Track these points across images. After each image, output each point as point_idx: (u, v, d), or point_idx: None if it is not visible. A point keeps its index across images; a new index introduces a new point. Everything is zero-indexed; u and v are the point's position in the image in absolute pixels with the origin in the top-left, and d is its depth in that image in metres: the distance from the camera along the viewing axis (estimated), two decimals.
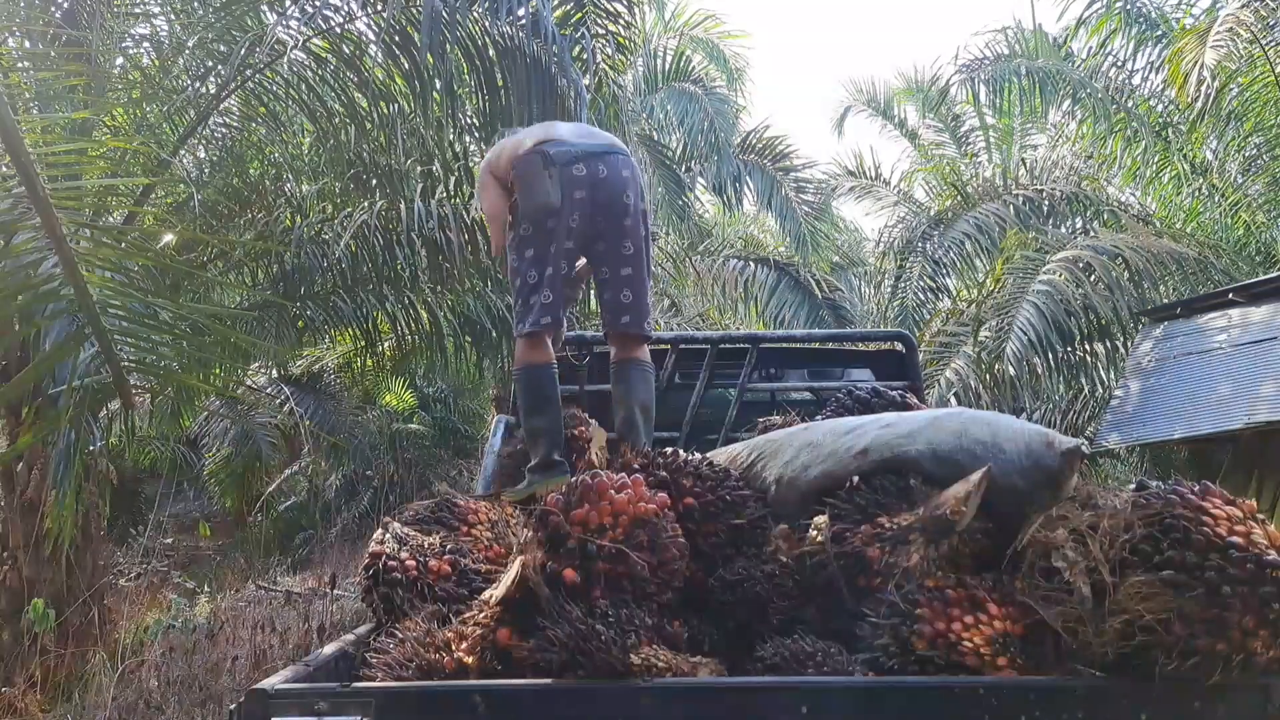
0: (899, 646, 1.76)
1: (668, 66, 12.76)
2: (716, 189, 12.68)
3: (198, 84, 5.98)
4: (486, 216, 3.52)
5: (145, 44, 6.06)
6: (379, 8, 5.60)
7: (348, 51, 5.89)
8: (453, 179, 7.23)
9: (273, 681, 1.73)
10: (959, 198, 10.80)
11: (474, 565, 2.21)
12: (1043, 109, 11.56)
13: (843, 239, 15.42)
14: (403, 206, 6.87)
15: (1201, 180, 10.17)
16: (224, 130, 6.51)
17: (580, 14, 6.05)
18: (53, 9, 5.49)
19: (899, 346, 4.47)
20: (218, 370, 7.23)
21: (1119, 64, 10.63)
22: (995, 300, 8.75)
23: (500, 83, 5.80)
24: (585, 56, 6.00)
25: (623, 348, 3.26)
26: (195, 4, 5.77)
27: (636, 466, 2.30)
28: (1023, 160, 12.36)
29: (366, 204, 6.97)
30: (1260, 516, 1.71)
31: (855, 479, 2.11)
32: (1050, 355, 8.18)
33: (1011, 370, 7.83)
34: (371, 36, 5.87)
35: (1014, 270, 8.71)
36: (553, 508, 1.96)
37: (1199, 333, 6.41)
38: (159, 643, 5.82)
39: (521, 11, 5.57)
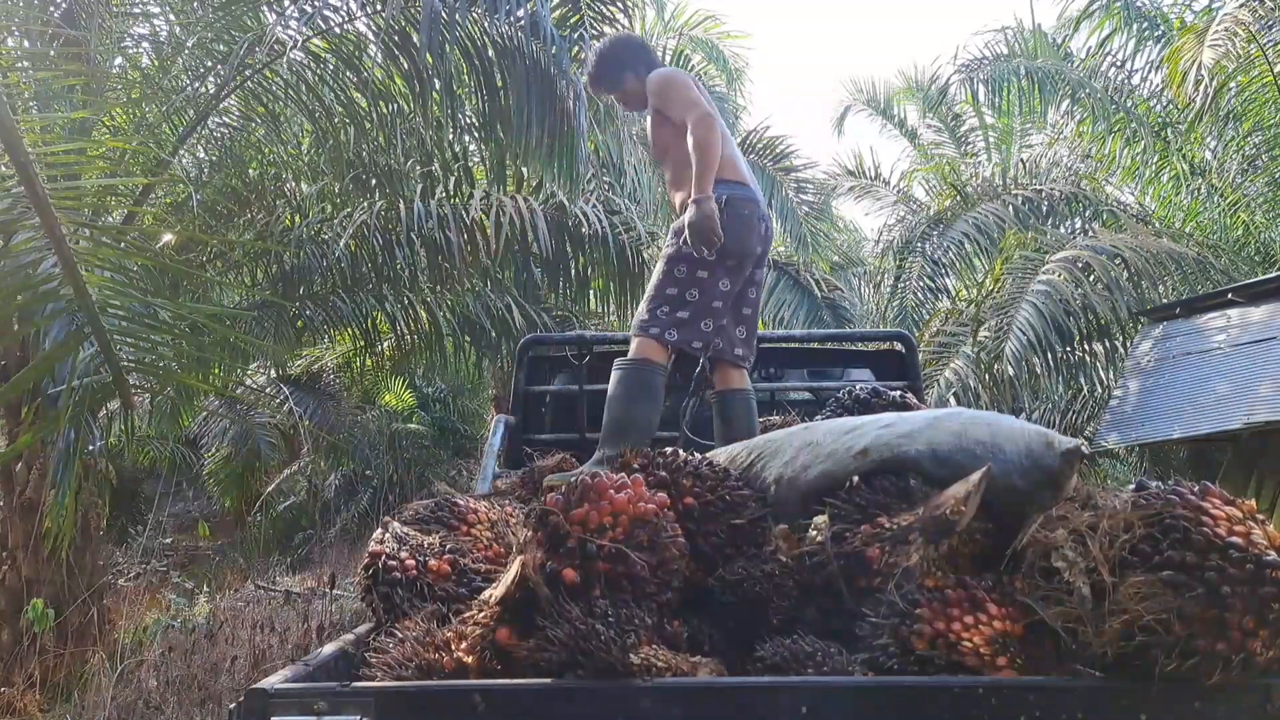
0: (899, 646, 1.76)
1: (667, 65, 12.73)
2: None
3: (197, 84, 5.98)
4: (712, 155, 3.25)
5: (144, 44, 6.05)
6: (378, 7, 5.60)
7: (347, 51, 5.88)
8: (452, 179, 7.24)
9: (272, 681, 1.73)
10: (958, 198, 10.81)
11: (473, 565, 2.21)
12: (1042, 109, 11.56)
13: (842, 239, 15.42)
14: (402, 206, 6.88)
15: (1201, 180, 10.17)
16: (223, 130, 6.51)
17: (577, 16, 6.06)
18: (51, 9, 5.49)
19: (899, 346, 4.47)
20: (217, 370, 7.23)
21: (1118, 64, 10.64)
22: (994, 300, 8.76)
23: (500, 83, 5.81)
24: (584, 57, 6.00)
25: (724, 378, 3.43)
26: (194, 4, 5.76)
27: (636, 466, 2.30)
28: (1022, 160, 12.36)
29: (366, 204, 6.98)
30: (1260, 517, 1.71)
31: (855, 479, 2.11)
32: (1049, 355, 8.19)
33: (1011, 370, 7.85)
34: (371, 37, 5.87)
35: (1013, 270, 8.73)
36: (552, 507, 1.96)
37: (1198, 333, 6.42)
38: (158, 643, 5.81)
39: (520, 12, 5.57)
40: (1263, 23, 8.44)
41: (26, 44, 5.46)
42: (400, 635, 1.92)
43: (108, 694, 4.90)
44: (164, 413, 8.49)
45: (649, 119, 3.66)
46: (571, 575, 1.85)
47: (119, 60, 6.04)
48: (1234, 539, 1.61)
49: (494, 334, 7.88)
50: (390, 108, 6.32)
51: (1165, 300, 7.83)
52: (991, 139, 14.85)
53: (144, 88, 5.81)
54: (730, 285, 3.34)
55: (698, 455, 2.37)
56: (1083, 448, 1.94)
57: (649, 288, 3.44)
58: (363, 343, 8.46)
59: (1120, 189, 11.36)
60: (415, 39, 5.45)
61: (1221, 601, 1.56)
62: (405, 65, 5.77)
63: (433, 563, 2.16)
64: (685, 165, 3.38)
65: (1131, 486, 1.82)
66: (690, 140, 3.27)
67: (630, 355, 3.29)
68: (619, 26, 6.43)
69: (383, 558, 2.14)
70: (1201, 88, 8.20)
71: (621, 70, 3.64)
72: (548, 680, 1.73)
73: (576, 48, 5.92)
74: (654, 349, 3.25)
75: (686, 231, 3.21)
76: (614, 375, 3.28)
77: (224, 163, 6.63)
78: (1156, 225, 9.79)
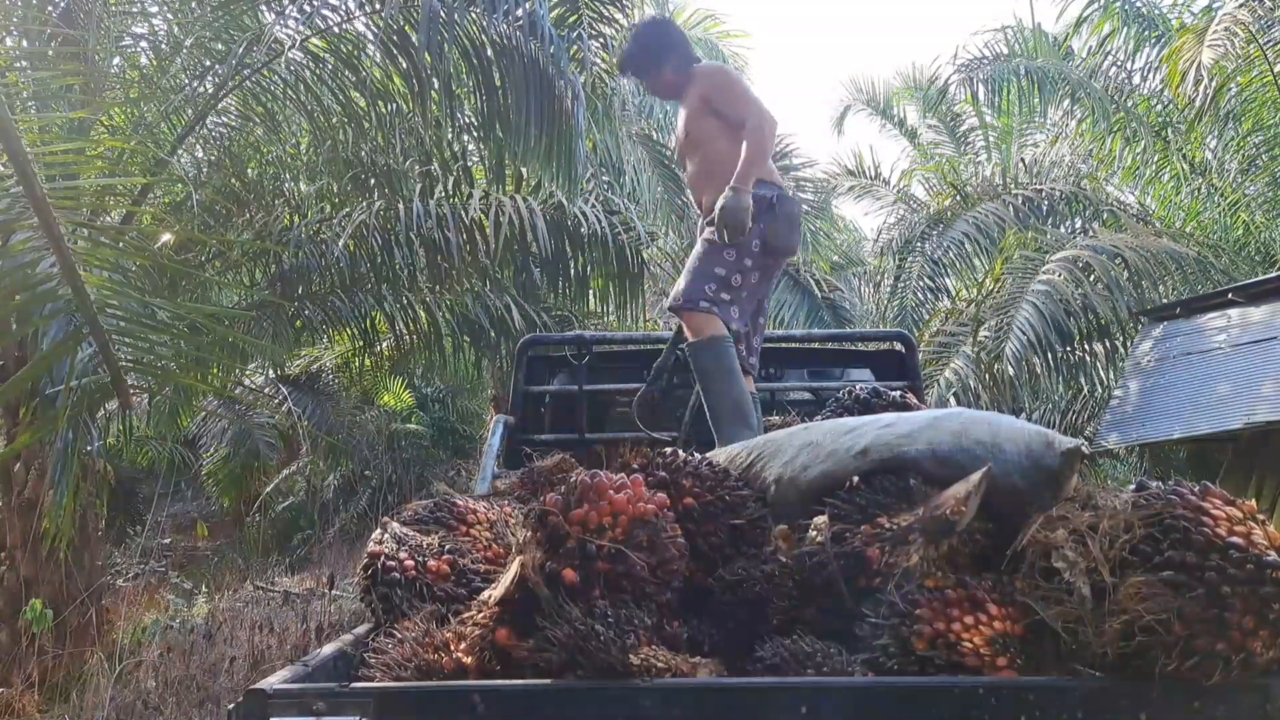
0: (899, 647, 1.75)
1: None
2: None
3: (195, 83, 5.97)
4: (765, 153, 3.38)
5: (143, 43, 6.05)
6: (377, 7, 5.59)
7: (345, 51, 5.88)
8: (451, 179, 7.23)
9: (271, 681, 1.72)
10: (958, 197, 10.80)
11: (472, 565, 2.20)
12: (1042, 108, 11.56)
13: (842, 239, 15.41)
14: (401, 206, 6.88)
15: (1201, 180, 10.17)
16: (222, 130, 6.50)
17: (575, 16, 6.06)
18: (50, 8, 5.48)
19: (899, 346, 4.47)
20: (215, 370, 7.22)
21: (1118, 64, 10.64)
22: (994, 300, 8.75)
23: (498, 83, 5.80)
24: (582, 56, 6.00)
25: None
26: (193, 3, 5.76)
27: (636, 466, 2.30)
28: (1022, 160, 12.36)
29: (365, 204, 6.98)
30: (1260, 517, 1.70)
31: (855, 479, 2.11)
32: (1049, 355, 8.19)
33: (1011, 370, 7.84)
34: (370, 36, 5.86)
35: (1013, 270, 8.72)
36: (552, 507, 1.96)
37: (1198, 332, 6.42)
38: (157, 643, 5.81)
39: (519, 12, 5.57)
40: (1262, 23, 8.44)
41: (25, 43, 5.45)
42: (399, 636, 1.92)
43: (106, 694, 4.89)
44: (162, 413, 8.50)
45: (685, 109, 3.58)
46: (571, 575, 1.85)
47: (117, 60, 6.03)
48: (1234, 539, 1.60)
49: (493, 334, 7.88)
50: (389, 107, 6.31)
51: (1165, 300, 7.82)
52: (991, 139, 14.84)
53: (142, 87, 5.80)
54: (758, 281, 3.37)
55: (697, 455, 2.37)
56: (1083, 448, 1.93)
57: (691, 265, 3.38)
58: (361, 343, 8.46)
59: (1121, 189, 11.36)
60: (414, 39, 5.45)
61: (1222, 602, 1.55)
62: (404, 65, 5.76)
63: (431, 563, 2.16)
64: (719, 162, 3.41)
65: (1132, 487, 1.82)
66: (751, 134, 3.29)
67: (700, 334, 3.25)
68: (618, 26, 6.43)
69: (381, 558, 2.14)
70: (1201, 87, 8.20)
71: (662, 57, 3.57)
72: (547, 681, 1.72)
73: (575, 47, 5.92)
74: (715, 323, 3.24)
75: (716, 214, 3.23)
76: (697, 359, 3.24)
77: (222, 162, 6.62)
78: (1157, 225, 9.78)
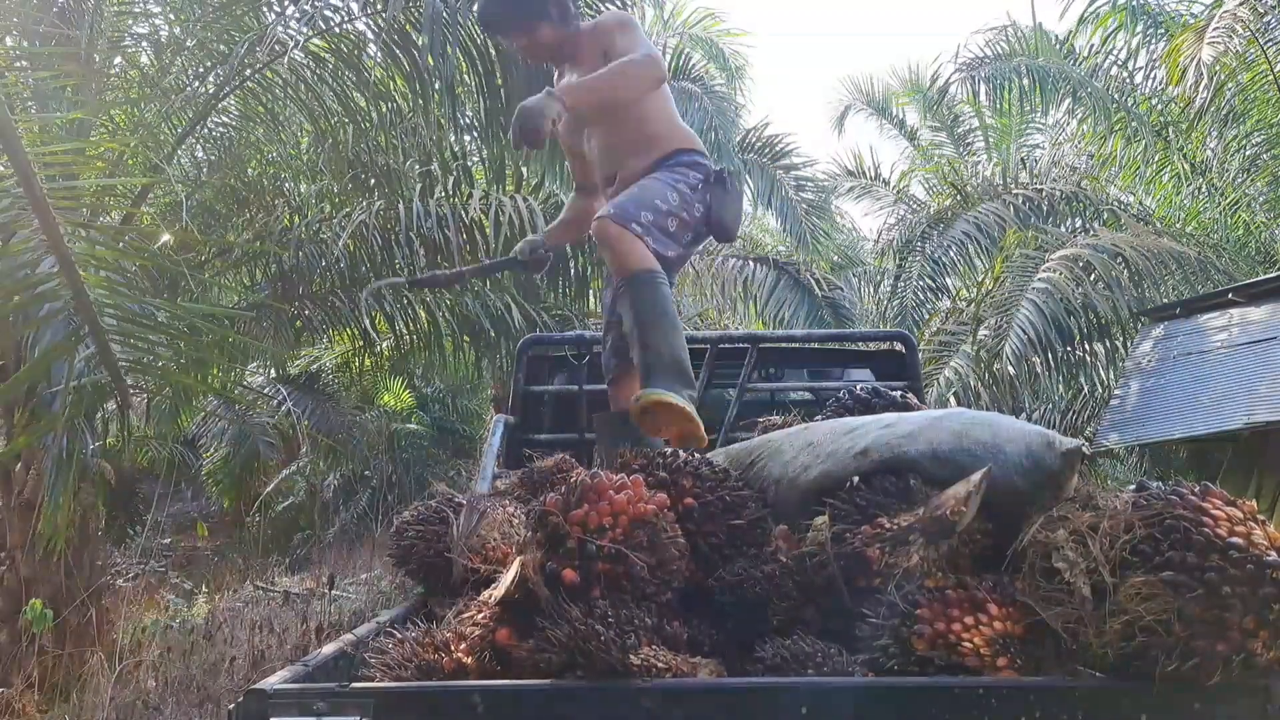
0: (899, 647, 1.76)
1: (667, 64, 12.71)
2: None
3: (196, 84, 5.97)
4: (628, 88, 2.79)
5: (144, 43, 6.05)
6: (379, 7, 5.59)
7: (347, 51, 5.88)
8: (451, 179, 7.23)
9: (271, 681, 1.72)
10: (958, 197, 10.80)
11: None
12: (1043, 108, 11.54)
13: (842, 238, 15.41)
14: (401, 206, 6.87)
15: (1201, 180, 10.17)
16: (222, 130, 6.50)
17: None
18: (52, 9, 5.47)
19: (899, 346, 4.47)
20: (215, 370, 7.22)
21: (1120, 63, 10.64)
22: (994, 299, 8.75)
23: (500, 82, 5.80)
24: None
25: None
26: (194, 4, 5.75)
27: (636, 466, 2.29)
28: (1022, 160, 12.35)
29: (365, 204, 6.97)
30: (1261, 517, 1.70)
31: (855, 479, 2.10)
32: (1050, 354, 8.19)
33: (1010, 369, 7.84)
34: (371, 36, 5.86)
35: (1013, 269, 8.72)
36: (552, 508, 1.96)
37: (1198, 332, 6.42)
38: (157, 643, 5.81)
39: None
40: (1263, 21, 8.43)
41: (25, 43, 5.45)
42: (400, 635, 1.92)
43: (106, 695, 4.89)
44: (162, 413, 8.49)
45: (580, 72, 2.95)
46: (571, 576, 1.85)
47: (118, 60, 6.02)
48: (1235, 539, 1.60)
49: (493, 334, 7.87)
50: (390, 107, 6.31)
51: (1166, 300, 7.82)
52: (991, 139, 14.84)
53: (143, 88, 5.80)
54: (687, 246, 2.99)
55: (697, 455, 2.37)
56: (1083, 448, 1.93)
57: (642, 188, 2.86)
58: (361, 343, 8.45)
59: (1121, 189, 11.36)
60: (416, 39, 5.44)
61: (1222, 602, 1.55)
62: (406, 65, 5.76)
63: None
64: (647, 120, 2.92)
65: (1132, 487, 1.82)
66: (629, 62, 2.74)
67: (629, 264, 2.75)
68: None
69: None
70: (1201, 85, 8.20)
71: (535, 8, 2.95)
72: (547, 681, 1.72)
73: None
74: (646, 253, 2.74)
75: (518, 113, 2.65)
76: (633, 295, 2.75)
77: (223, 162, 6.61)
78: (1157, 225, 9.77)
